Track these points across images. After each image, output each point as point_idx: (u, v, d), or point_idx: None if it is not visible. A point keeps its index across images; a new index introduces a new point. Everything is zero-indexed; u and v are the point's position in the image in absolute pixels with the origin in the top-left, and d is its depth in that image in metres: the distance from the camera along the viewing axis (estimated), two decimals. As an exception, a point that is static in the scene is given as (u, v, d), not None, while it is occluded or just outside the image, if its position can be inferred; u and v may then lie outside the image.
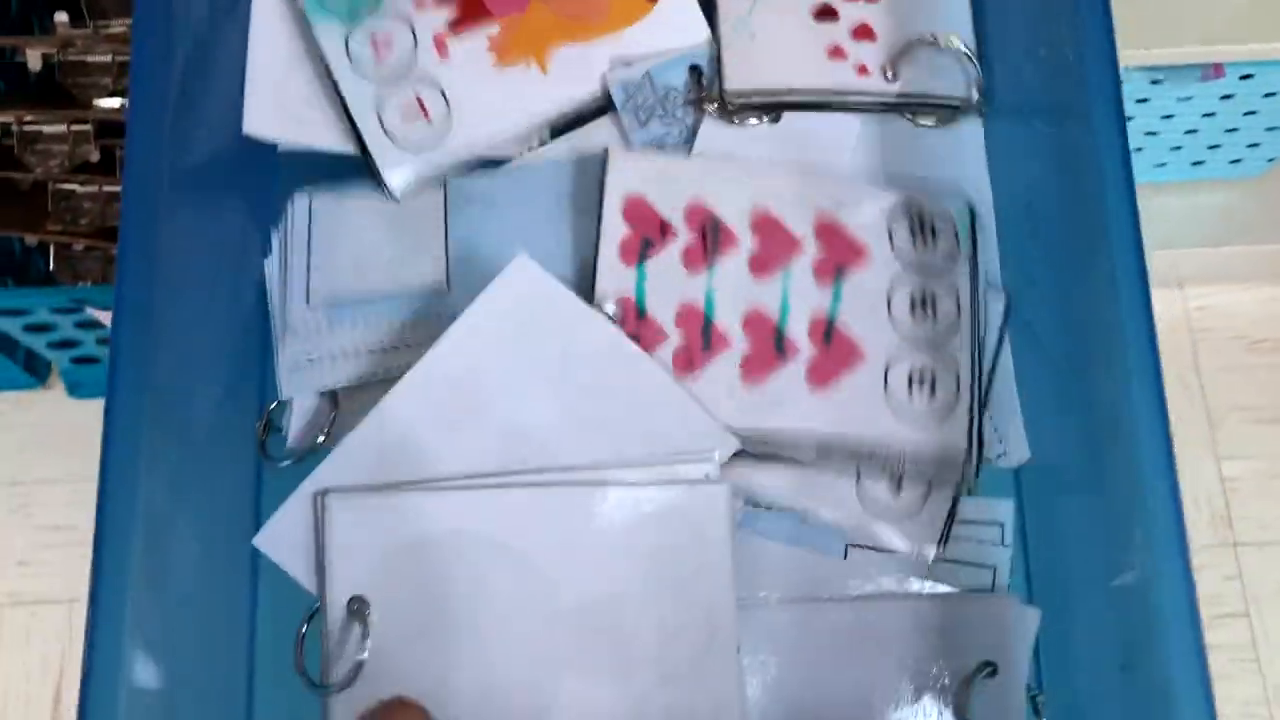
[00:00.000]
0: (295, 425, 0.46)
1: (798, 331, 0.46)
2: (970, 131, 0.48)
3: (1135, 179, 0.48)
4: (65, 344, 0.99)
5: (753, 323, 0.46)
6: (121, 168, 0.89)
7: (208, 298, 0.46)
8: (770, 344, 0.46)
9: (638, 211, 0.46)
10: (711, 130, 0.47)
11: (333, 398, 0.46)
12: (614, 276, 0.46)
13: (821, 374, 0.45)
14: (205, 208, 0.47)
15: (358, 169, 0.48)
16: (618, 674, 0.40)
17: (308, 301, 0.46)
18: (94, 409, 1.06)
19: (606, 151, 0.47)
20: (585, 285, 0.46)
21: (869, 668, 0.43)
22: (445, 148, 0.48)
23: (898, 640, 0.43)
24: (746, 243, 0.46)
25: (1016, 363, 0.46)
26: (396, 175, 0.47)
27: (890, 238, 0.46)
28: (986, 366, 0.45)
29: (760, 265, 0.46)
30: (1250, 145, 0.96)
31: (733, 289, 0.46)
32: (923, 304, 0.46)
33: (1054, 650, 0.43)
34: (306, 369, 0.46)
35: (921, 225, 0.46)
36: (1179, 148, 0.96)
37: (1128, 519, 0.38)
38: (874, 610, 0.43)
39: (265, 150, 0.49)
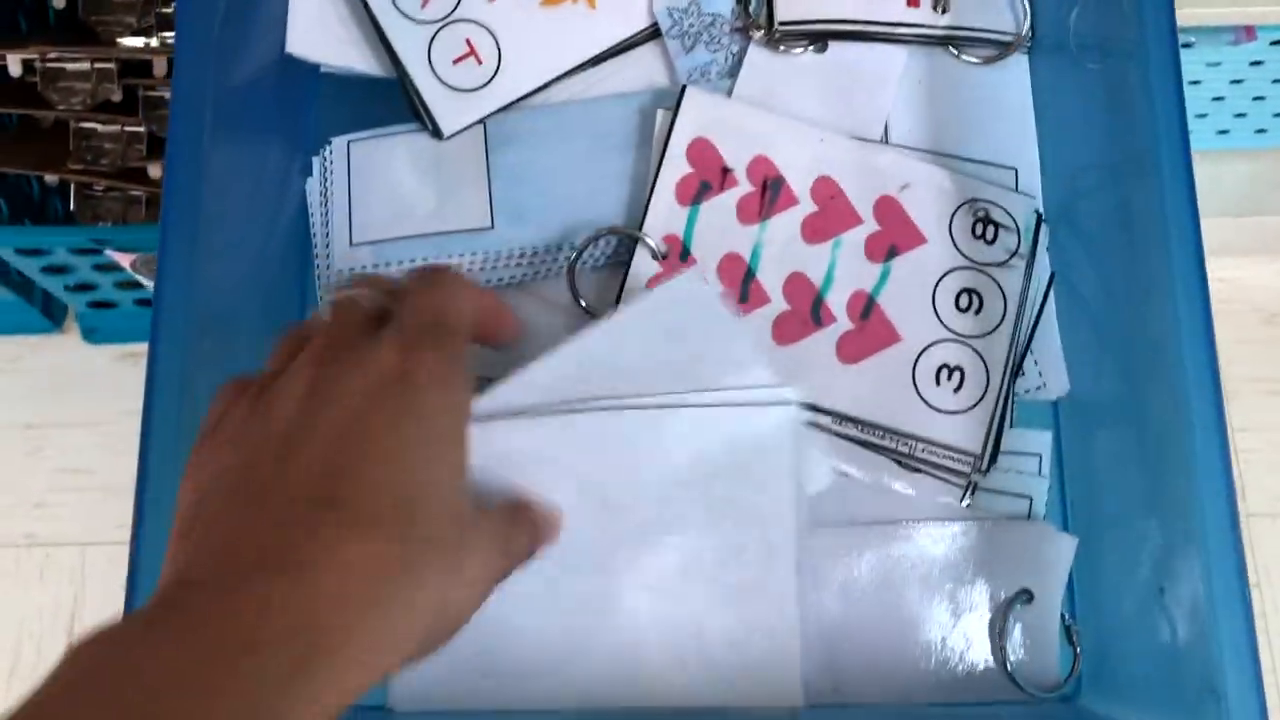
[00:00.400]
0: (336, 342, 0.46)
1: (837, 302, 0.46)
2: (1017, 69, 0.48)
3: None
4: (83, 287, 0.99)
5: (794, 285, 0.46)
6: (144, 108, 0.89)
7: (249, 221, 0.46)
8: (807, 309, 0.46)
9: (702, 153, 0.46)
10: (756, 58, 0.47)
11: (375, 316, 0.46)
12: (666, 213, 0.46)
13: (853, 349, 0.45)
14: (248, 132, 0.47)
15: (396, 102, 0.47)
16: (678, 594, 0.40)
17: (351, 244, 0.46)
18: (110, 354, 1.07)
19: (683, 89, 0.46)
20: (630, 223, 0.46)
21: (906, 593, 0.43)
22: (495, 88, 0.47)
23: (936, 566, 0.43)
24: (805, 205, 0.46)
25: (1058, 297, 0.46)
26: (449, 118, 0.47)
27: (951, 228, 0.46)
28: (1019, 355, 0.46)
29: (813, 230, 0.46)
30: (1277, 115, 0.96)
31: (781, 248, 0.46)
32: (970, 299, 0.45)
33: (1087, 580, 0.44)
34: (348, 290, 0.46)
35: (986, 222, 0.46)
36: (1205, 115, 0.96)
37: (1170, 448, 0.38)
38: (912, 536, 0.43)
39: (307, 77, 0.48)
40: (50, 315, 1.07)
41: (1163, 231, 0.39)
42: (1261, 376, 1.06)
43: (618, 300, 0.45)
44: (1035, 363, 0.45)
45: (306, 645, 0.27)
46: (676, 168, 0.46)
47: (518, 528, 0.36)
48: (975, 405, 0.44)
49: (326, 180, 0.47)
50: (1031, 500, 0.44)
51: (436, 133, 0.47)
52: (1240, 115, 0.95)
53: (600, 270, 0.47)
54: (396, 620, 0.29)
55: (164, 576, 0.30)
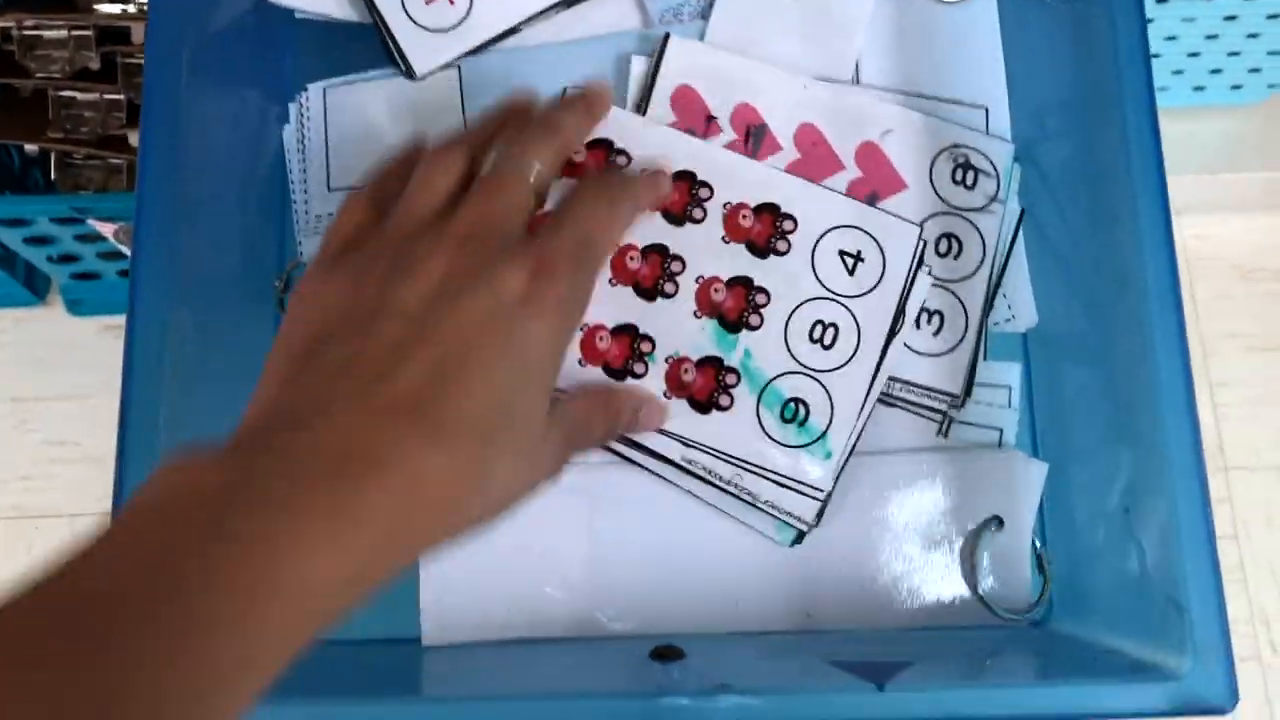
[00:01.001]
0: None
1: None
2: (985, 8, 0.48)
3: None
4: (66, 258, 0.99)
5: None
6: (122, 75, 0.89)
7: (227, 170, 0.47)
8: None
9: (686, 101, 0.46)
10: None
11: (353, 258, 0.46)
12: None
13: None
14: (224, 82, 0.47)
15: (372, 48, 0.48)
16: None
17: (329, 188, 0.47)
18: (95, 326, 1.07)
19: (666, 36, 0.46)
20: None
21: (879, 522, 0.44)
22: (468, 28, 0.48)
23: (908, 495, 0.44)
24: (788, 152, 0.46)
25: (1026, 231, 0.47)
26: (422, 59, 0.47)
27: (931, 174, 0.46)
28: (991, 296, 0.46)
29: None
30: (1252, 70, 0.96)
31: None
32: (949, 244, 0.46)
33: (1057, 508, 0.45)
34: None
35: (966, 167, 0.46)
36: (1180, 71, 0.97)
37: (1135, 374, 0.39)
38: (885, 466, 0.44)
39: (282, 24, 0.49)
40: (33, 288, 1.07)
41: (1126, 165, 0.40)
42: (1239, 332, 1.08)
43: None
44: (1004, 296, 0.46)
45: (352, 526, 0.27)
46: (660, 116, 0.46)
47: (582, 433, 0.38)
48: (954, 348, 0.45)
49: (303, 127, 0.47)
50: (1002, 431, 0.45)
51: (410, 74, 0.47)
52: (1215, 71, 0.96)
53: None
54: (450, 523, 0.30)
55: (253, 412, 0.31)
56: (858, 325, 0.44)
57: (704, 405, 0.43)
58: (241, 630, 0.25)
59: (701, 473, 0.43)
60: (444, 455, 0.29)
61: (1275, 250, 1.11)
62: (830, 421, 0.43)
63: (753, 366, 0.43)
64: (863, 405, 0.43)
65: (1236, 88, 1.00)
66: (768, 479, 0.43)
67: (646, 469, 0.43)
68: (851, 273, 0.44)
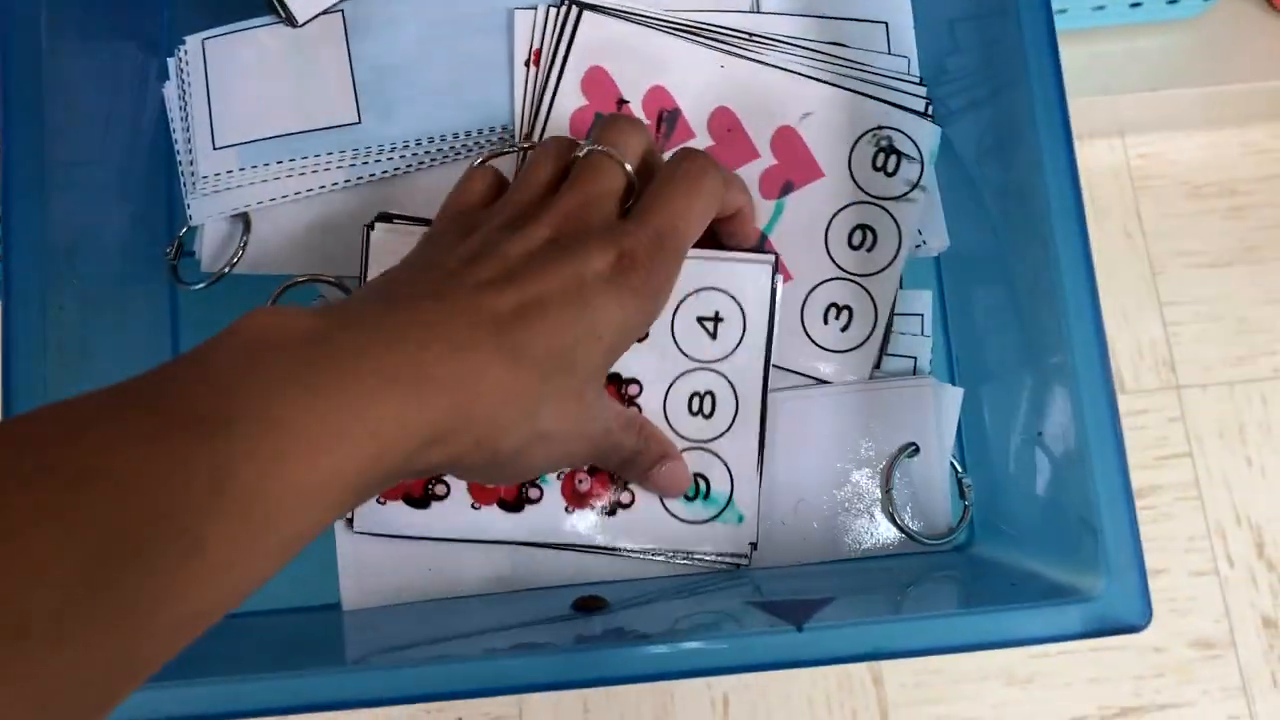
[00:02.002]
0: (208, 248, 0.45)
1: None
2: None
3: (1073, 25, 0.46)
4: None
5: None
6: None
7: (106, 133, 0.45)
8: None
9: (598, 84, 0.45)
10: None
11: (245, 219, 0.45)
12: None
13: None
14: (94, 38, 0.45)
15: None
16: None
17: (214, 146, 0.45)
18: None
19: (580, 11, 0.45)
20: (500, 113, 0.44)
21: (796, 456, 0.43)
22: (348, -31, 0.46)
23: (824, 427, 0.43)
24: (701, 139, 0.45)
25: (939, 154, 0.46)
26: (301, 3, 0.45)
27: (850, 160, 0.45)
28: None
29: None
30: (1187, -18, 0.95)
31: None
32: (864, 235, 0.44)
33: (974, 433, 0.44)
34: (215, 196, 0.44)
35: (889, 152, 0.45)
36: (1116, -13, 0.95)
37: (1041, 291, 0.38)
38: (798, 399, 0.43)
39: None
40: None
41: (1025, 76, 0.39)
42: (1188, 250, 1.07)
43: None
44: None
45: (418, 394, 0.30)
46: (572, 101, 0.44)
47: (620, 433, 0.40)
48: (862, 344, 0.44)
49: (184, 82, 0.45)
50: (916, 359, 0.44)
51: (290, 20, 0.45)
52: (1140, -11, 0.95)
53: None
54: (492, 435, 0.33)
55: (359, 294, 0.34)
56: (732, 385, 0.43)
57: (609, 510, 0.42)
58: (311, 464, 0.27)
59: (631, 553, 0.43)
60: (508, 372, 0.32)
61: (1220, 166, 1.10)
62: (732, 486, 0.43)
63: None
64: (758, 456, 0.43)
65: (1173, 2, 0.99)
66: (693, 557, 0.43)
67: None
68: (714, 336, 0.43)
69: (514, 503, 0.42)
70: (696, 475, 0.43)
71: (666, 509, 0.43)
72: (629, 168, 0.38)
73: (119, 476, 0.24)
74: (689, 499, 0.43)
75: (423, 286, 0.33)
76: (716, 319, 0.43)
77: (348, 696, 0.37)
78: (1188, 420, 1.02)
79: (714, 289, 0.43)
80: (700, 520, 0.43)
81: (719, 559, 0.43)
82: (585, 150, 0.38)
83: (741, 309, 0.43)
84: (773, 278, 0.43)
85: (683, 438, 0.43)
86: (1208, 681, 0.92)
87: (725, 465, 0.43)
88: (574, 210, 0.37)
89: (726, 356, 0.43)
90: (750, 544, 0.43)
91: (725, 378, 0.43)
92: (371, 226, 0.42)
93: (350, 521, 0.42)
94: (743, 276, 0.43)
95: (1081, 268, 0.37)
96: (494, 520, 0.42)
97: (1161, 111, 1.04)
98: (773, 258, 0.43)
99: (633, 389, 0.43)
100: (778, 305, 0.43)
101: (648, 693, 0.86)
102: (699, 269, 0.43)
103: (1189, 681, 0.94)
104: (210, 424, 0.25)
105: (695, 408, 0.43)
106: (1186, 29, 1.01)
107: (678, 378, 0.43)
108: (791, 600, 0.39)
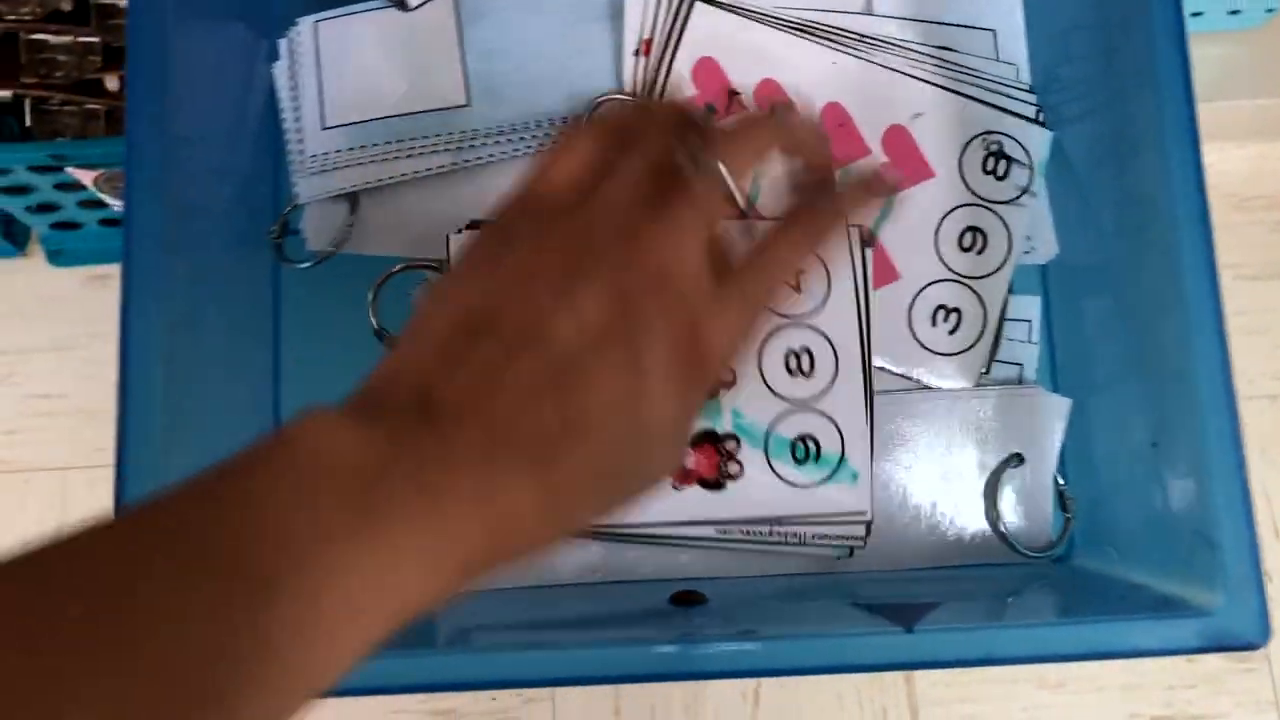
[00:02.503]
0: (312, 227, 0.45)
1: None
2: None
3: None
4: (45, 208, 0.96)
5: None
6: (96, 17, 0.86)
7: (216, 111, 0.45)
8: None
9: (707, 73, 0.44)
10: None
11: (351, 199, 0.45)
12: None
13: None
14: (211, 18, 0.45)
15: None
16: None
17: (323, 126, 0.45)
18: (77, 276, 1.05)
19: (691, 3, 0.44)
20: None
21: (899, 460, 0.43)
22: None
23: (927, 433, 0.43)
24: None
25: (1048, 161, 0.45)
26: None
27: (961, 161, 0.44)
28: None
29: None
30: (1251, -7, 0.94)
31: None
32: (974, 238, 0.44)
33: (1078, 443, 0.44)
34: (322, 176, 0.44)
35: (999, 156, 0.44)
36: (1180, -4, 0.94)
37: (1162, 303, 0.38)
38: (904, 404, 0.43)
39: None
40: (13, 239, 1.04)
41: (1153, 86, 0.39)
42: (1233, 262, 1.07)
43: None
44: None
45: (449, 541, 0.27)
46: (680, 90, 0.44)
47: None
48: (970, 348, 0.44)
49: (295, 63, 0.45)
50: (1021, 367, 0.44)
51: (401, 4, 0.45)
52: (1216, -4, 0.94)
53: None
54: (512, 558, 0.28)
55: (407, 366, 0.29)
56: (828, 339, 0.42)
57: (715, 483, 0.41)
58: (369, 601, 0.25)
59: (741, 538, 0.41)
60: (548, 509, 0.28)
61: (1269, 178, 1.09)
62: (843, 445, 0.42)
63: (746, 424, 0.42)
64: (868, 415, 0.42)
65: (1234, 12, 0.98)
66: (808, 524, 0.42)
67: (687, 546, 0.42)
68: (799, 288, 0.42)
69: None
70: (802, 438, 0.42)
71: (776, 473, 0.42)
72: (742, 202, 0.30)
73: (164, 645, 0.23)
74: (799, 461, 0.42)
75: (462, 389, 0.28)
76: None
77: (436, 679, 0.37)
78: (1229, 432, 1.01)
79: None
80: (813, 483, 0.42)
81: (829, 518, 0.42)
82: (694, 162, 0.30)
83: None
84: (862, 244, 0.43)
85: (783, 399, 0.42)
86: (1241, 694, 0.92)
87: (834, 423, 0.42)
88: (654, 264, 0.29)
89: (817, 310, 0.42)
90: (866, 520, 0.42)
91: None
92: (459, 230, 0.42)
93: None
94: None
95: (1206, 276, 0.37)
96: None
97: (1212, 122, 1.04)
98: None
99: (730, 444, 0.42)
100: (869, 263, 0.42)
101: (679, 683, 0.86)
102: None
103: (1222, 693, 0.94)
104: (260, 586, 0.24)
105: (793, 366, 0.42)
106: (1244, 40, 1.01)
107: (769, 337, 0.42)
108: (898, 603, 0.39)
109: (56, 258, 1.05)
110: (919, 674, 0.87)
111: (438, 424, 0.27)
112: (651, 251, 0.29)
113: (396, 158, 0.44)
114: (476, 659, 0.37)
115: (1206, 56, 1.02)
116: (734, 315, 0.30)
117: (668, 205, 0.29)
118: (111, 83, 0.88)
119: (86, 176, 0.91)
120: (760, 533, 0.42)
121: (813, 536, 0.42)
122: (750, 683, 0.85)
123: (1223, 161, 1.10)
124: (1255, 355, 1.06)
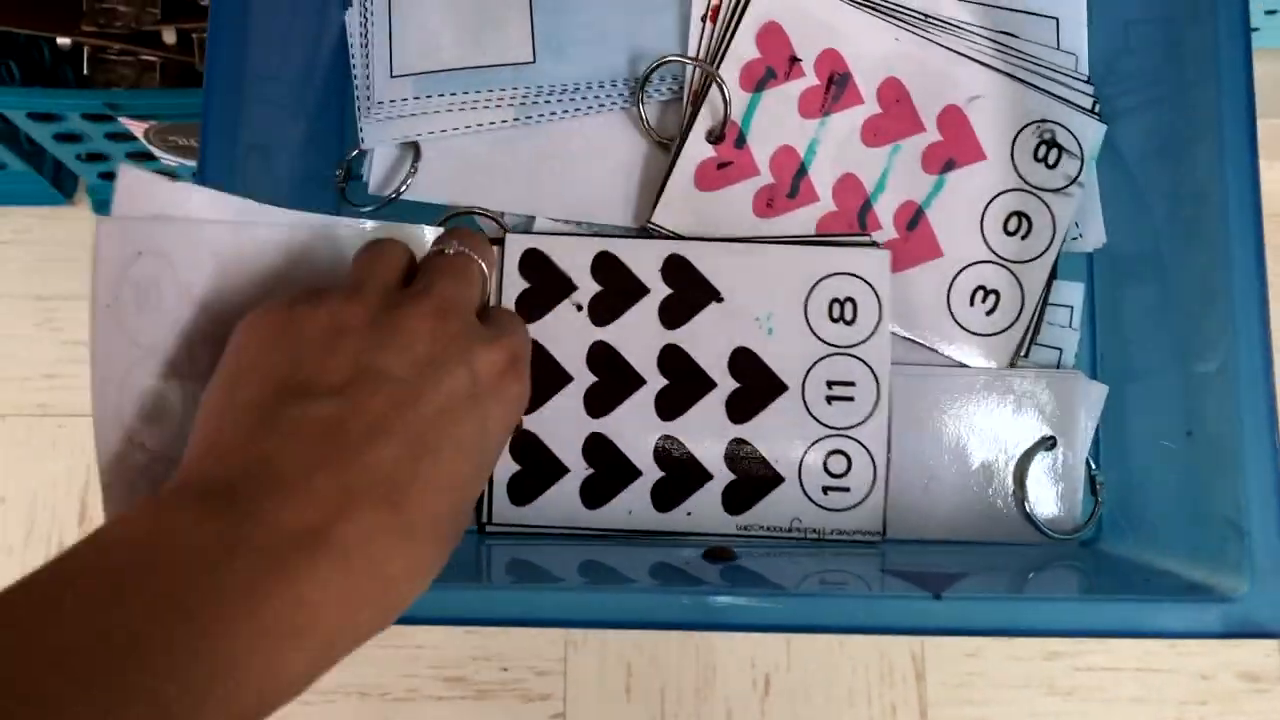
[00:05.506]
0: (376, 172, 0.46)
1: (885, 209, 0.45)
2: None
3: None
4: (95, 157, 0.98)
5: (845, 186, 0.45)
6: (159, -31, 0.87)
7: (287, 54, 0.46)
8: (855, 213, 0.45)
9: (772, 38, 0.45)
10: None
11: (415, 147, 0.46)
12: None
13: (893, 259, 0.44)
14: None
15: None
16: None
17: (391, 74, 0.46)
18: (122, 226, 1.07)
19: None
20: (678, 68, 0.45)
21: (932, 435, 0.44)
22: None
23: (963, 410, 0.44)
24: (869, 106, 0.45)
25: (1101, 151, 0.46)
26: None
27: (1013, 147, 0.45)
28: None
29: (873, 132, 0.45)
30: (1306, 13, 0.94)
31: (838, 147, 0.45)
32: (1019, 223, 0.45)
33: (1113, 430, 0.44)
34: (388, 123, 0.45)
35: (1051, 145, 0.45)
36: (1233, 13, 0.94)
37: (1207, 292, 0.39)
38: (939, 380, 0.44)
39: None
40: (61, 187, 1.06)
41: (1215, 80, 0.39)
42: (1273, 281, 1.07)
43: (685, 134, 0.44)
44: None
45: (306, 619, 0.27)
46: (745, 52, 0.45)
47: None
48: (1004, 330, 0.44)
49: (366, 11, 0.46)
50: (1061, 351, 0.45)
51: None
52: (1271, 12, 0.94)
53: (662, 101, 0.46)
54: (390, 617, 0.29)
55: (218, 451, 0.29)
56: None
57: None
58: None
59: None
60: (409, 559, 0.29)
61: (1314, 201, 1.09)
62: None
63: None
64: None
65: (1288, 31, 0.98)
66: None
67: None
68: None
69: None
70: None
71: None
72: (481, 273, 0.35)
73: None
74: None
75: (303, 454, 0.28)
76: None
77: (482, 614, 0.37)
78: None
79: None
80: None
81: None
82: (452, 248, 0.35)
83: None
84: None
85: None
86: (1252, 715, 0.92)
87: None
88: (449, 306, 0.33)
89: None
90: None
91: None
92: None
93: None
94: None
95: (1254, 270, 0.37)
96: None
97: (1264, 140, 1.03)
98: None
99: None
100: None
101: (691, 664, 0.86)
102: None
103: (1233, 713, 0.93)
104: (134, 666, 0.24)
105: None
106: (1298, 60, 1.00)
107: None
108: (925, 571, 0.39)
109: (103, 207, 1.06)
110: (931, 673, 0.87)
111: (265, 504, 0.27)
112: (440, 296, 0.32)
113: (461, 109, 0.45)
114: (508, 595, 0.38)
115: (1263, 73, 1.02)
116: (520, 348, 0.34)
117: (436, 272, 0.34)
118: (169, 36, 0.89)
119: (138, 128, 0.92)
120: (779, 528, 0.43)
121: (831, 531, 0.43)
122: (761, 670, 0.85)
123: (1271, 180, 1.09)
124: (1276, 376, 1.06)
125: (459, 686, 0.85)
